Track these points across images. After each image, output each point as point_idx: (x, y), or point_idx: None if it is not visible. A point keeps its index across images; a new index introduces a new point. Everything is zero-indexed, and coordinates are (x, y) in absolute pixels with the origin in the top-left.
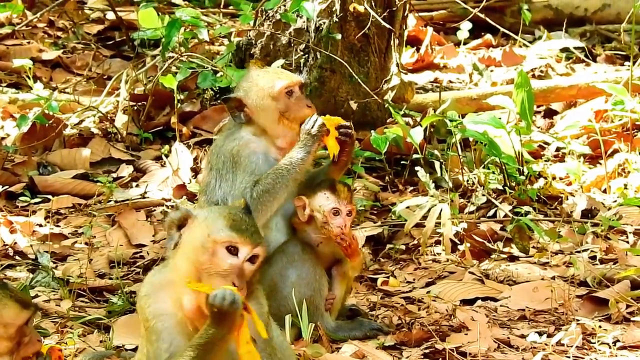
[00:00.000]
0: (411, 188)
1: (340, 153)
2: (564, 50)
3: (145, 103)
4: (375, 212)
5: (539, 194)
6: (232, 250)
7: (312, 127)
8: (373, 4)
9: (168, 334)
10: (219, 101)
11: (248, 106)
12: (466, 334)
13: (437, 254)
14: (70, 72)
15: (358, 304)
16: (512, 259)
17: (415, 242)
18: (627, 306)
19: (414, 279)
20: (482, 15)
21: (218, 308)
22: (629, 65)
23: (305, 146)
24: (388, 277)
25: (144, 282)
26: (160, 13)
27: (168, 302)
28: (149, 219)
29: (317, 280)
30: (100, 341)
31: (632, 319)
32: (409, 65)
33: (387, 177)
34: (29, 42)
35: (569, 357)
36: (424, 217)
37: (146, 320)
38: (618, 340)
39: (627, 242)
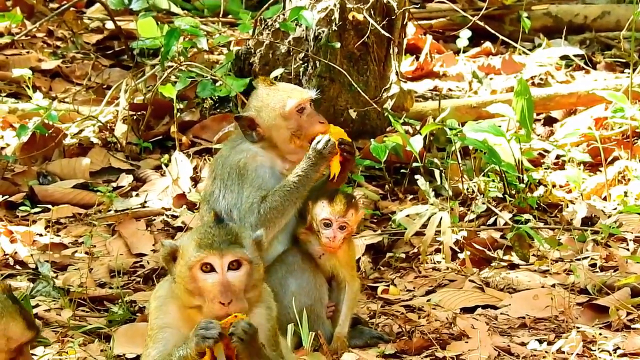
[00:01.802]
0: (411, 196)
1: (340, 171)
2: (564, 57)
3: (144, 112)
4: (375, 220)
5: (539, 201)
6: (206, 267)
7: (324, 148)
8: (372, 12)
9: (163, 345)
10: (218, 110)
11: (260, 125)
12: (466, 342)
13: (437, 262)
14: (70, 82)
15: (358, 312)
16: (512, 266)
17: (415, 250)
18: (628, 313)
19: (414, 287)
20: (482, 23)
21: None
22: (628, 73)
23: (314, 165)
24: (388, 286)
25: (152, 296)
26: (159, 22)
27: (174, 316)
28: (149, 229)
29: (317, 289)
30: (101, 350)
31: (632, 326)
32: (409, 73)
33: (386, 186)
34: (28, 52)
35: None
36: (424, 226)
37: (152, 329)
38: (619, 348)
39: (628, 250)
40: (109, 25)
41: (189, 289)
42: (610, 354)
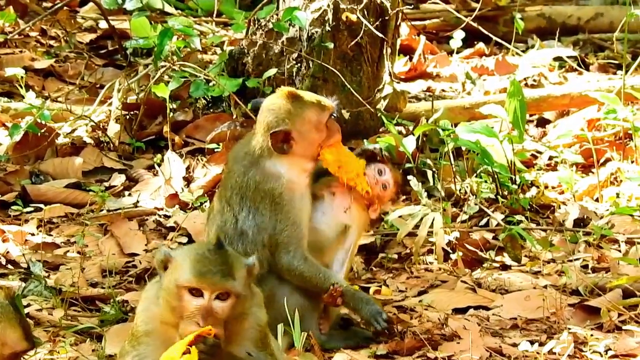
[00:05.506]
0: (404, 197)
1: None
2: (557, 59)
3: (137, 112)
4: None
5: (531, 202)
6: (195, 292)
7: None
8: (365, 13)
9: (143, 349)
10: (211, 110)
11: (294, 139)
12: (458, 343)
13: (430, 262)
14: (63, 81)
15: (350, 313)
16: (504, 267)
17: (408, 251)
18: (619, 315)
19: (406, 288)
20: (475, 24)
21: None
22: (621, 74)
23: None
24: (380, 286)
25: (142, 295)
26: (152, 22)
27: (158, 322)
28: (141, 228)
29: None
30: (93, 350)
31: (623, 327)
32: (402, 74)
33: None
34: (21, 51)
35: None
36: (417, 226)
37: (137, 330)
38: (610, 349)
39: (619, 251)
40: (103, 24)
41: (171, 305)
42: (602, 355)
